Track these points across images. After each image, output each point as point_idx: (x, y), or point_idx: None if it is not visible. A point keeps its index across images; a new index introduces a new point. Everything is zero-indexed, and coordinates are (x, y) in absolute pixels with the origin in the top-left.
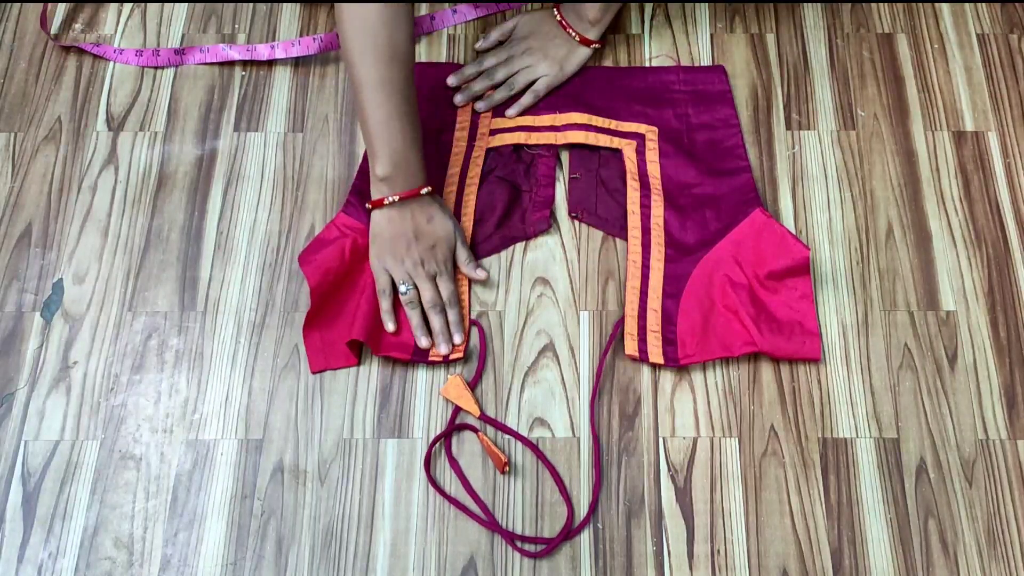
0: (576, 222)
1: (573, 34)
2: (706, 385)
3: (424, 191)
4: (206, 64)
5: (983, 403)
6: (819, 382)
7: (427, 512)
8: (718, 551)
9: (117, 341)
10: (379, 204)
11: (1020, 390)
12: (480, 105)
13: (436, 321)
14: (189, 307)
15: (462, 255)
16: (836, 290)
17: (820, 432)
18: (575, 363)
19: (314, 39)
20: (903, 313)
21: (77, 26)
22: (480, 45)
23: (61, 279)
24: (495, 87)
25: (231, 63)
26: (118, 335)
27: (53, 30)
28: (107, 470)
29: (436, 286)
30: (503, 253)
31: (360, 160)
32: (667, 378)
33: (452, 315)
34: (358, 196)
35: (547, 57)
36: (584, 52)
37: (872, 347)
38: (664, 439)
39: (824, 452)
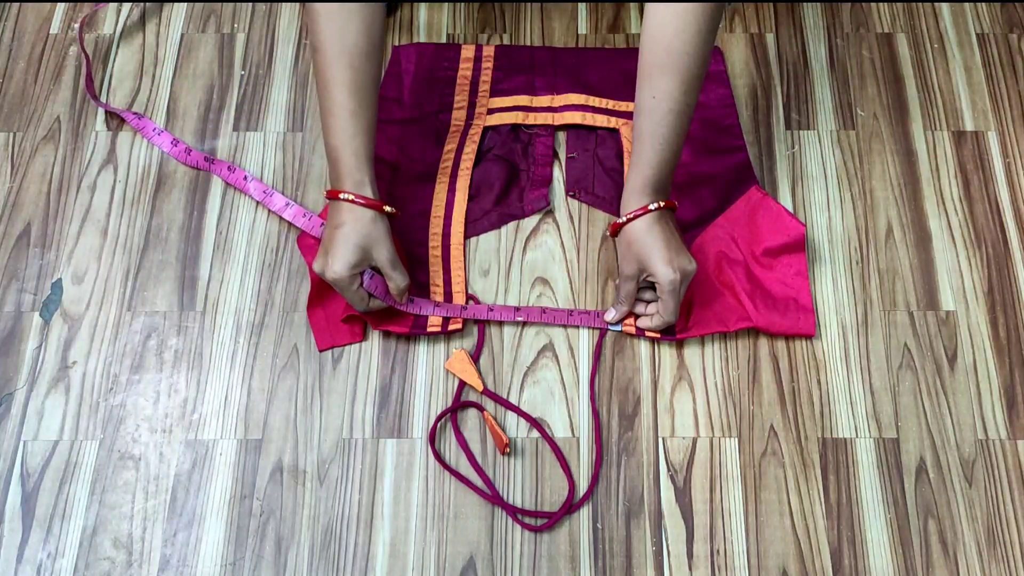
0: (574, 220)
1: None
2: (705, 385)
3: (343, 196)
4: (222, 180)
5: (983, 403)
6: (819, 382)
7: (426, 512)
8: (717, 551)
9: (116, 341)
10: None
11: (1020, 390)
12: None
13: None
14: (188, 307)
15: (383, 266)
16: (836, 290)
17: (820, 432)
18: (574, 363)
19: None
20: (903, 313)
21: (76, 26)
22: (613, 317)
23: (60, 279)
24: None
25: (231, 71)
26: (117, 335)
27: (53, 29)
28: (106, 470)
29: (356, 290)
30: (502, 252)
31: None
32: (667, 378)
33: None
34: None
35: (687, 257)
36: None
37: (872, 347)
38: (664, 439)
39: (824, 452)
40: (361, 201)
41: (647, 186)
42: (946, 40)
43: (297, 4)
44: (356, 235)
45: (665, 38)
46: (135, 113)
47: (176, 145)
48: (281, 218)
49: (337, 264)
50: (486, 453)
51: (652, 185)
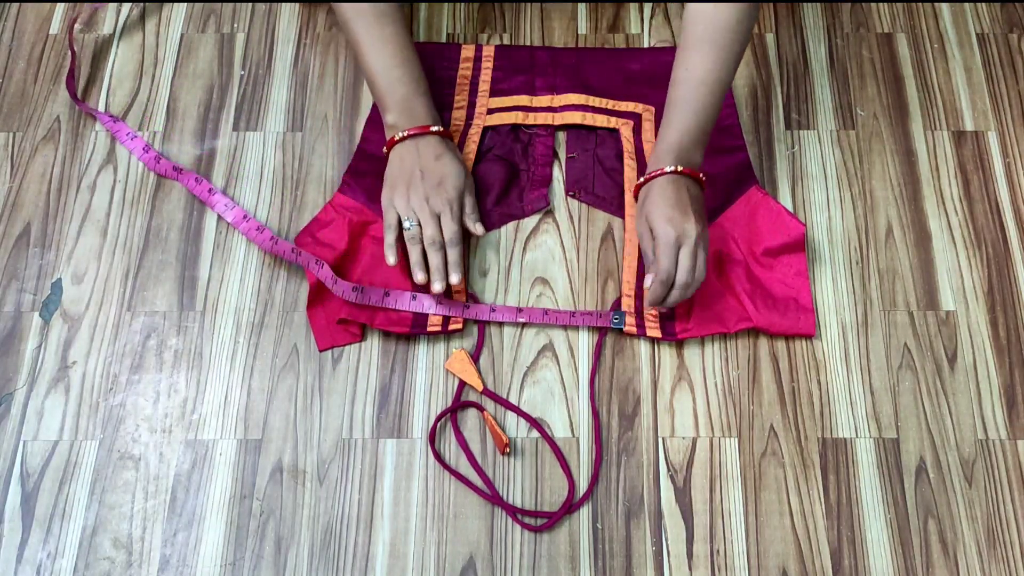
0: (574, 220)
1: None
2: (705, 385)
3: (434, 129)
4: (187, 189)
5: (983, 403)
6: (819, 382)
7: (426, 512)
8: (717, 551)
9: (116, 341)
10: (391, 144)
11: (1020, 390)
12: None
13: (434, 259)
14: (188, 307)
15: (468, 204)
16: (836, 290)
17: (820, 432)
18: (574, 363)
19: (273, 239)
20: (903, 313)
21: (76, 25)
22: (652, 287)
23: (60, 279)
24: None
25: (231, 71)
26: (117, 335)
27: (52, 30)
28: (106, 470)
29: (439, 224)
30: (502, 252)
31: (358, 140)
32: (666, 378)
33: (452, 255)
34: (354, 176)
35: (693, 220)
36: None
37: (872, 347)
38: (663, 439)
39: (824, 452)
40: (452, 141)
41: (670, 151)
42: (946, 40)
43: (296, 4)
44: (458, 155)
45: (704, 13)
46: (111, 116)
47: (147, 152)
48: (280, 218)
49: (467, 175)
50: (486, 453)
51: (675, 150)
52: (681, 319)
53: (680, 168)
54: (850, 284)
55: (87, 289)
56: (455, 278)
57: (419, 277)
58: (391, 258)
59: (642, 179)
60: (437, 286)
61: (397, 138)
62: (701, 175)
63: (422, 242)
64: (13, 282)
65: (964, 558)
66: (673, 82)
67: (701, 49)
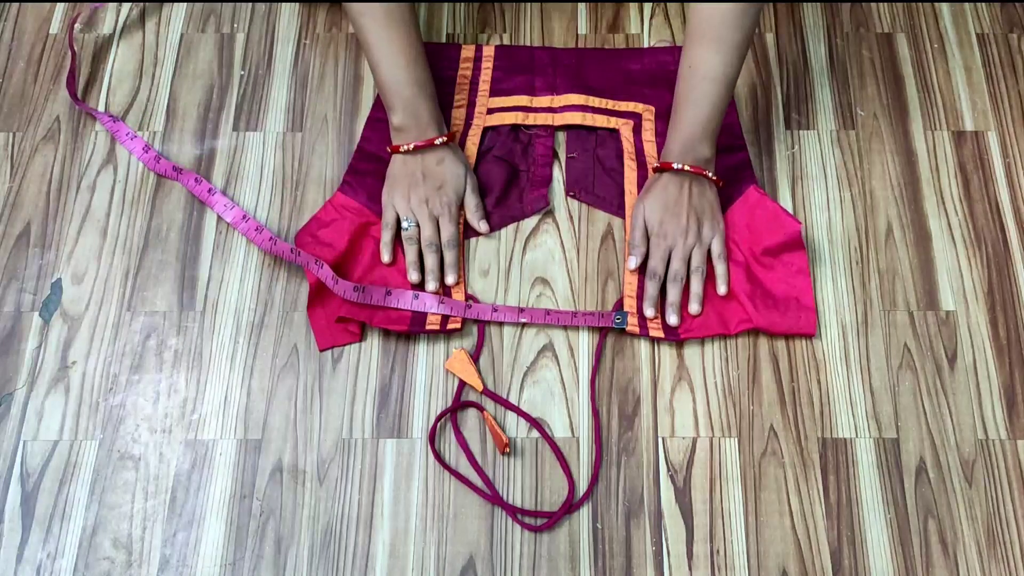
0: (574, 220)
1: (686, 168)
2: (705, 385)
3: (438, 141)
4: (187, 189)
5: (983, 403)
6: (819, 382)
7: (426, 512)
8: (717, 551)
9: (116, 341)
10: (396, 150)
11: (1020, 390)
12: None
13: (430, 259)
14: (188, 307)
15: (471, 202)
16: (836, 290)
17: (820, 432)
18: (574, 363)
19: (272, 239)
20: (903, 313)
21: (76, 25)
22: (633, 264)
23: (60, 279)
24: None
25: (231, 71)
26: (117, 335)
27: (52, 30)
28: (106, 470)
29: (437, 226)
30: (501, 252)
31: (358, 140)
32: (666, 378)
33: (449, 256)
34: (355, 176)
35: (701, 216)
36: (710, 185)
37: (872, 347)
38: (663, 439)
39: (824, 452)
40: (455, 143)
41: (677, 146)
42: (946, 40)
43: (297, 4)
44: (461, 158)
45: (705, 8)
46: (110, 116)
47: (147, 152)
48: (280, 218)
49: (469, 176)
50: (486, 453)
51: (681, 146)
52: (683, 319)
53: (687, 167)
54: (850, 284)
55: (87, 289)
56: (451, 279)
57: (413, 276)
58: (386, 256)
59: (657, 164)
60: (431, 285)
61: (402, 149)
62: (710, 174)
63: (419, 242)
64: (13, 282)
65: (964, 558)
66: (678, 78)
67: (700, 44)
